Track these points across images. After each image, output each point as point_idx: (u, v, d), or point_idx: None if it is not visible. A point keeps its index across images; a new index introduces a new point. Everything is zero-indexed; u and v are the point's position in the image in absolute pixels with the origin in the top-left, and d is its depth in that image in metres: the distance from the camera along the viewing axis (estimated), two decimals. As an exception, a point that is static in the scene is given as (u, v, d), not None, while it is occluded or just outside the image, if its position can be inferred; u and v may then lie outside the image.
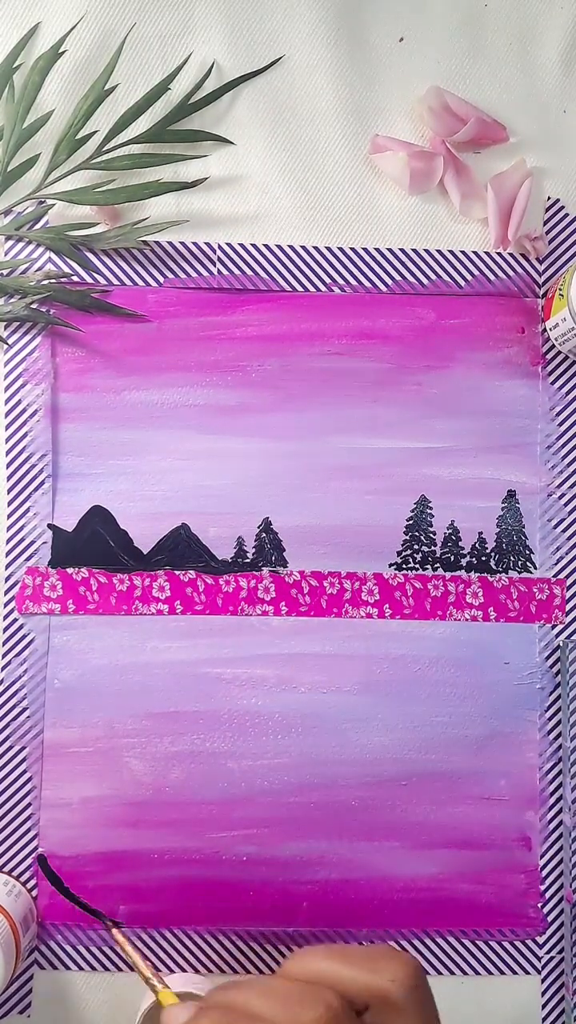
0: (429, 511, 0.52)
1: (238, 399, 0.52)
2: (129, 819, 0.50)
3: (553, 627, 0.52)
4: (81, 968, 0.49)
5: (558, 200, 0.53)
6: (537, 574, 0.52)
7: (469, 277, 0.53)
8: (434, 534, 0.52)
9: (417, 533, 0.52)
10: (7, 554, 0.51)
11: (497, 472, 0.52)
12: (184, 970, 0.49)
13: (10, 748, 0.50)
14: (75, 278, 0.52)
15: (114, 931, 0.46)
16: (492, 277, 0.53)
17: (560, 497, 0.52)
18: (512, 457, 0.52)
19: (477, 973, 0.50)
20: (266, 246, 0.52)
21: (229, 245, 0.52)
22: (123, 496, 0.51)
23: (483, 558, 0.52)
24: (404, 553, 0.52)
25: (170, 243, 0.52)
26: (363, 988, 0.34)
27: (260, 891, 0.50)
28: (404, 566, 0.52)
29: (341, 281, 0.52)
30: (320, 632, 0.51)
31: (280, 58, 0.53)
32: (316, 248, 0.52)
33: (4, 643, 0.50)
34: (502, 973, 0.50)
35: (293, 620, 0.51)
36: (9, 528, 0.51)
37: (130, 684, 0.50)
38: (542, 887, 0.50)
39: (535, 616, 0.52)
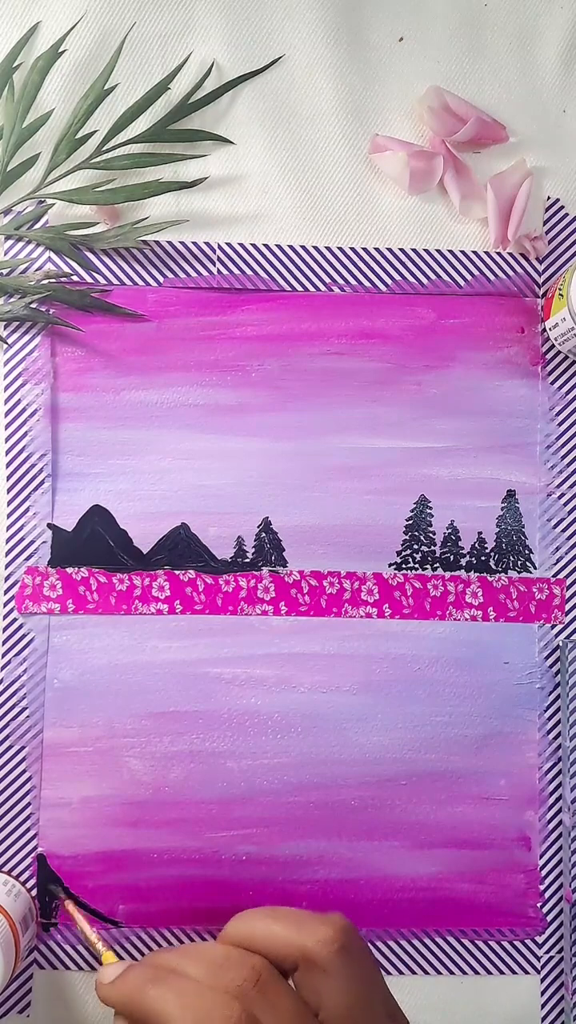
0: (429, 511, 0.52)
1: (238, 399, 0.52)
2: (129, 819, 0.50)
3: (553, 627, 0.52)
4: (81, 968, 0.49)
5: (558, 200, 0.53)
6: (537, 574, 0.52)
7: (469, 277, 0.53)
8: (434, 534, 0.52)
9: (417, 533, 0.52)
10: (7, 554, 0.51)
11: (497, 472, 0.52)
12: (184, 970, 0.49)
13: (10, 748, 0.50)
14: (75, 278, 0.52)
15: (66, 902, 0.47)
16: (492, 277, 0.53)
17: (560, 497, 0.52)
18: (512, 457, 0.52)
19: (476, 973, 0.50)
20: (266, 246, 0.52)
21: (229, 245, 0.52)
22: (123, 496, 0.51)
23: (483, 558, 0.52)
24: (404, 553, 0.52)
25: (170, 243, 0.52)
26: (290, 948, 0.35)
27: (260, 891, 0.50)
28: (404, 566, 0.52)
29: (341, 281, 0.52)
30: (320, 632, 0.51)
31: (280, 58, 0.53)
32: (316, 248, 0.52)
33: (4, 643, 0.50)
34: (501, 973, 0.50)
35: (293, 620, 0.51)
36: (9, 528, 0.51)
37: (130, 684, 0.50)
38: (542, 887, 0.50)
39: (535, 616, 0.52)
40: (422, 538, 0.52)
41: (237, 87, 0.53)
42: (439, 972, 0.50)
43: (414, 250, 0.53)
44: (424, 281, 0.53)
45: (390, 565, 0.52)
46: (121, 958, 0.47)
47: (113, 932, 0.49)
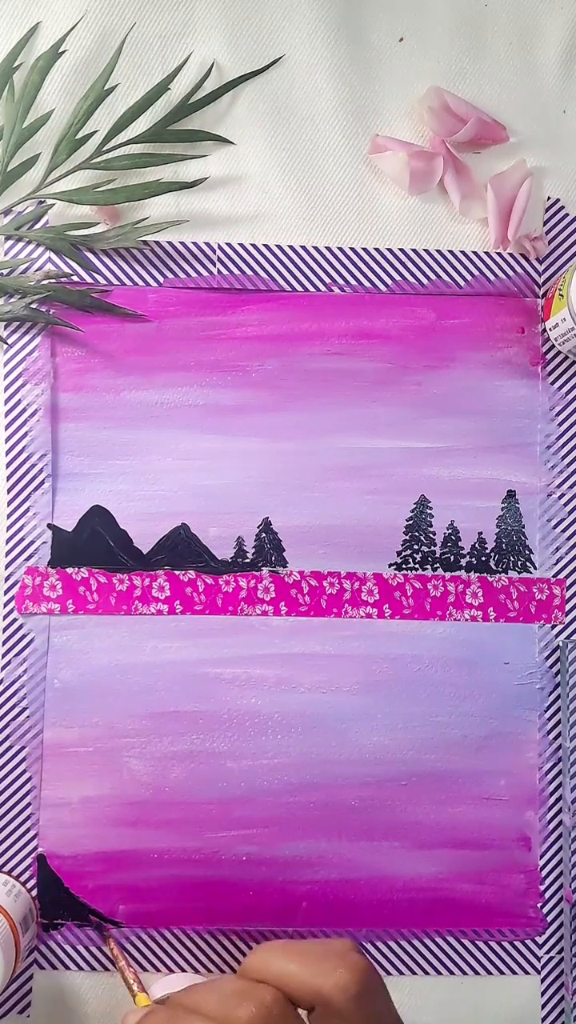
0: (429, 511, 0.52)
1: (238, 399, 0.52)
2: (129, 819, 0.50)
3: (553, 627, 0.52)
4: (81, 968, 0.49)
5: (558, 200, 0.53)
6: (537, 574, 0.52)
7: (469, 277, 0.53)
8: (434, 534, 0.52)
9: (417, 533, 0.52)
10: (7, 554, 0.51)
11: (497, 472, 0.52)
12: (183, 970, 0.49)
13: (10, 748, 0.50)
14: (75, 278, 0.52)
15: (111, 942, 0.48)
16: (492, 277, 0.53)
17: (560, 497, 0.52)
18: (512, 457, 0.52)
19: (477, 973, 0.50)
20: (266, 246, 0.52)
21: (229, 245, 0.52)
22: (123, 496, 0.51)
23: (483, 558, 0.52)
24: (404, 553, 0.52)
25: (170, 243, 0.52)
26: (309, 989, 0.35)
27: (259, 891, 0.50)
28: (404, 566, 0.52)
29: (341, 281, 0.52)
30: (320, 632, 0.51)
31: (280, 58, 0.53)
32: (316, 248, 0.52)
33: (4, 643, 0.50)
34: (502, 973, 0.50)
35: (293, 620, 0.51)
36: (9, 528, 0.51)
37: (130, 684, 0.50)
38: (542, 887, 0.50)
39: (535, 616, 0.52)
40: (422, 538, 0.52)
41: (237, 87, 0.53)
42: (439, 972, 0.50)
43: (414, 250, 0.53)
44: (424, 281, 0.53)
45: (390, 565, 0.52)
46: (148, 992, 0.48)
47: (113, 932, 0.49)
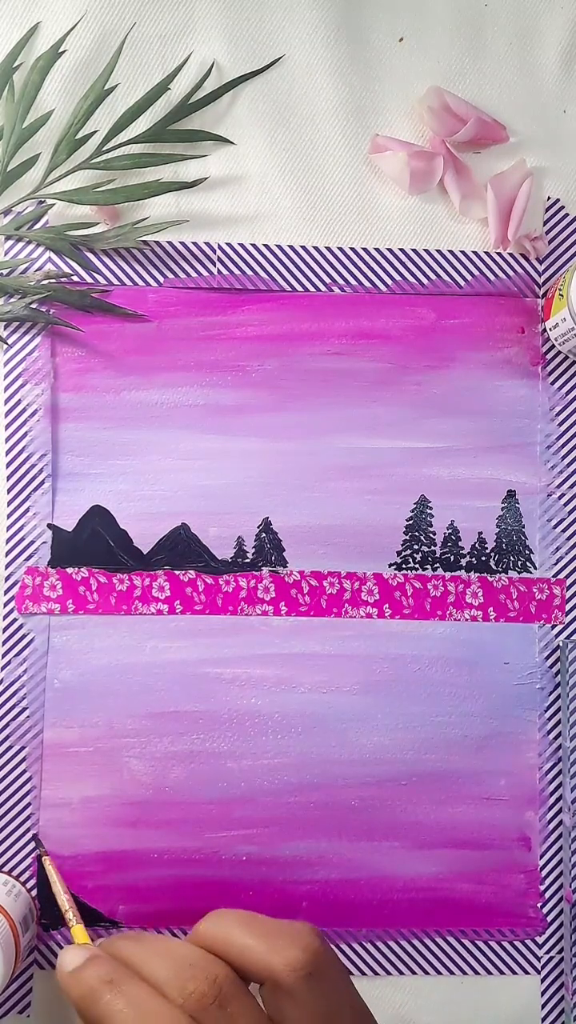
0: (429, 511, 0.52)
1: (238, 399, 0.52)
2: (129, 819, 0.50)
3: (553, 627, 0.52)
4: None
5: (558, 200, 0.53)
6: (537, 574, 0.52)
7: (469, 277, 0.53)
8: (434, 534, 0.52)
9: (417, 533, 0.52)
10: (7, 554, 0.51)
11: (497, 472, 0.52)
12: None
13: (10, 748, 0.50)
14: (75, 278, 0.52)
15: (45, 859, 0.46)
16: (492, 277, 0.53)
17: (560, 497, 0.52)
18: (512, 457, 0.52)
19: (477, 973, 0.50)
20: (266, 246, 0.52)
21: (229, 245, 0.52)
22: (123, 496, 0.51)
23: (483, 558, 0.52)
24: (404, 553, 0.52)
25: (170, 243, 0.52)
26: (259, 965, 0.34)
27: (260, 891, 0.50)
28: (404, 566, 0.52)
29: (341, 281, 0.52)
30: (320, 632, 0.51)
31: (280, 58, 0.53)
32: (316, 248, 0.52)
33: (4, 643, 0.50)
34: (502, 973, 0.50)
35: (293, 620, 0.51)
36: (9, 528, 0.51)
37: (130, 684, 0.50)
38: (542, 887, 0.50)
39: (535, 616, 0.52)
40: (422, 538, 0.52)
41: (237, 87, 0.53)
42: (439, 972, 0.50)
43: (414, 250, 0.53)
44: (424, 281, 0.53)
45: (390, 565, 0.52)
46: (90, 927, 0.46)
47: (113, 932, 0.49)
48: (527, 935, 0.50)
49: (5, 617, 0.50)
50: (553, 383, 0.53)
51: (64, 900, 0.45)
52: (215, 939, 0.35)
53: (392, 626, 0.51)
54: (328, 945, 0.36)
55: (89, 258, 0.52)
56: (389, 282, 0.53)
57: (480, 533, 0.52)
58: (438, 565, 0.52)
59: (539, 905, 0.50)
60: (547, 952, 0.50)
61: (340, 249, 0.52)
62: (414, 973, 0.50)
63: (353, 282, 0.52)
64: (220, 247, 0.52)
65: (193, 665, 0.51)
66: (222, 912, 0.36)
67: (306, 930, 0.35)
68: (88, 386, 0.52)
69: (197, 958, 0.34)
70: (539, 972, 0.50)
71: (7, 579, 0.51)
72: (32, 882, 0.49)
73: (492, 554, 0.52)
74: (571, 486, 0.52)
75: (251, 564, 0.51)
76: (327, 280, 0.52)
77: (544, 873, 0.50)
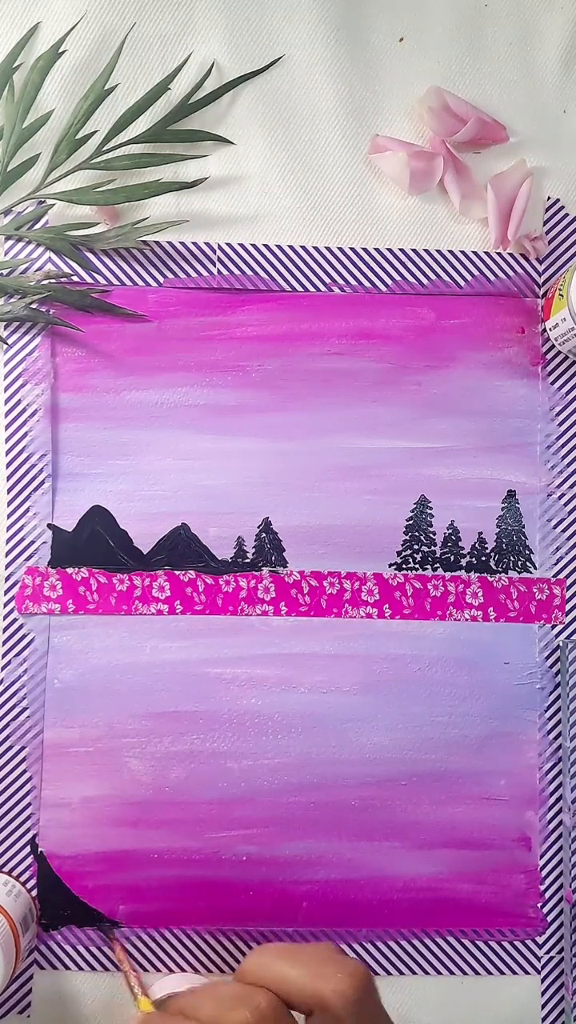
0: (429, 511, 0.52)
1: (238, 399, 0.52)
2: (129, 819, 0.50)
3: (553, 627, 0.52)
4: (81, 968, 0.49)
5: (558, 200, 0.53)
6: (537, 574, 0.52)
7: (469, 277, 0.53)
8: (434, 534, 0.52)
9: (417, 533, 0.52)
10: (7, 554, 0.51)
11: (497, 472, 0.52)
12: (184, 970, 0.49)
13: (10, 748, 0.50)
14: (75, 278, 0.52)
15: (116, 945, 0.48)
16: (492, 277, 0.53)
17: (560, 497, 0.52)
18: (512, 457, 0.52)
19: (477, 973, 0.50)
20: (266, 246, 0.52)
21: (229, 245, 0.52)
22: (123, 496, 0.51)
23: (483, 558, 0.52)
24: (404, 553, 0.52)
25: (170, 243, 0.52)
26: (306, 994, 0.35)
27: (260, 891, 0.50)
28: (404, 566, 0.52)
29: (341, 281, 0.52)
30: (320, 632, 0.51)
31: (280, 58, 0.53)
32: (316, 248, 0.52)
33: (4, 643, 0.50)
34: (502, 973, 0.50)
35: (293, 620, 0.51)
36: (9, 528, 0.51)
37: (130, 684, 0.50)
38: (542, 887, 0.50)
39: (535, 616, 0.52)
40: (422, 538, 0.52)
41: (237, 87, 0.53)
42: (439, 972, 0.50)
43: (414, 250, 0.53)
44: (424, 281, 0.53)
45: (390, 565, 0.52)
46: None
47: (114, 932, 0.49)
48: (527, 935, 0.50)
49: (5, 617, 0.50)
50: (553, 383, 0.53)
51: (133, 980, 0.47)
52: (259, 973, 0.36)
53: (392, 626, 0.51)
54: (370, 973, 0.36)
55: (89, 258, 0.52)
56: (389, 282, 0.53)
57: (480, 533, 0.52)
58: (438, 565, 0.52)
59: (539, 905, 0.50)
60: (547, 952, 0.50)
61: (340, 249, 0.52)
62: (414, 973, 0.50)
63: (353, 282, 0.52)
64: (220, 247, 0.52)
65: (193, 665, 0.51)
66: (263, 947, 0.37)
67: (348, 958, 0.37)
68: (88, 386, 0.52)
69: (240, 991, 0.35)
70: (539, 972, 0.50)
71: (7, 579, 0.51)
72: (32, 882, 0.49)
73: (492, 554, 0.52)
74: (571, 486, 0.52)
75: (251, 564, 0.51)
76: (327, 280, 0.52)
77: (544, 873, 0.50)
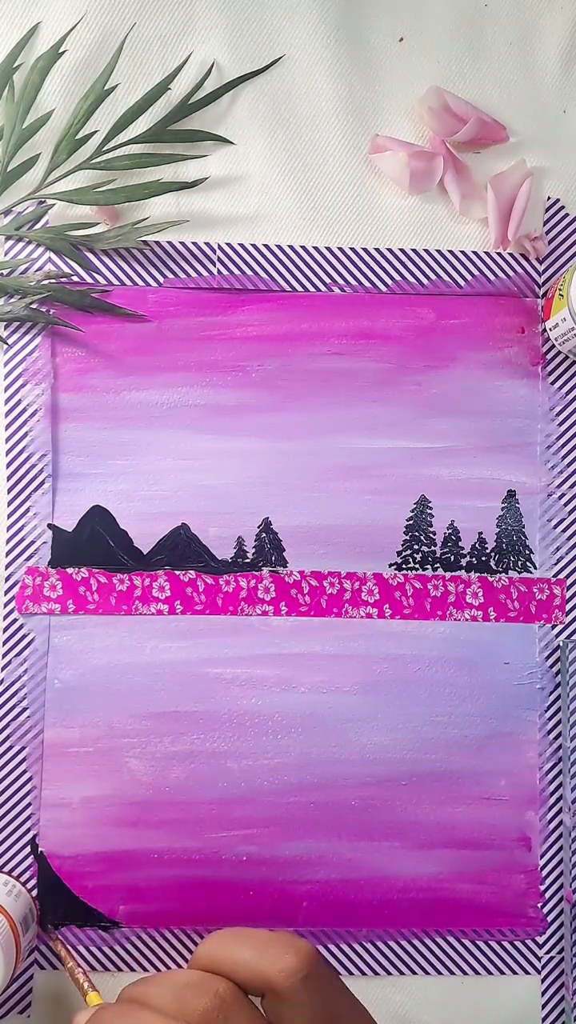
0: (429, 511, 0.52)
1: (238, 399, 0.52)
2: (129, 819, 0.50)
3: (553, 627, 0.52)
4: (81, 968, 0.49)
5: (558, 200, 0.53)
6: (537, 574, 0.52)
7: (469, 277, 0.53)
8: (434, 534, 0.52)
9: (417, 533, 0.52)
10: (7, 554, 0.51)
11: (497, 472, 0.52)
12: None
13: (10, 748, 0.50)
14: (75, 278, 0.52)
15: (58, 942, 0.47)
16: (492, 277, 0.53)
17: (560, 497, 0.52)
18: (512, 457, 0.52)
19: (477, 973, 0.50)
20: (266, 246, 0.52)
21: (229, 245, 0.52)
22: (123, 496, 0.51)
23: (483, 558, 0.52)
24: (404, 553, 0.52)
25: (170, 243, 0.52)
26: (255, 975, 0.35)
27: (260, 891, 0.50)
28: (404, 566, 0.52)
29: (341, 281, 0.52)
30: (320, 632, 0.51)
31: (280, 58, 0.53)
32: (316, 248, 0.52)
33: (4, 643, 0.50)
34: (502, 973, 0.50)
35: (293, 620, 0.51)
36: (9, 528, 0.51)
37: (130, 684, 0.50)
38: (542, 887, 0.50)
39: (535, 616, 0.52)
40: (422, 538, 0.52)
41: (237, 87, 0.53)
42: (439, 972, 0.50)
43: (414, 250, 0.53)
44: (424, 281, 0.53)
45: (390, 565, 0.52)
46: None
47: (114, 932, 0.49)
48: (527, 935, 0.50)
49: (5, 617, 0.50)
50: (553, 383, 0.53)
51: (79, 975, 0.46)
52: (212, 959, 0.36)
53: (392, 626, 0.51)
54: (317, 949, 0.36)
55: (89, 258, 0.52)
56: (389, 282, 0.53)
57: (480, 533, 0.52)
58: (438, 565, 0.52)
59: (539, 905, 0.50)
60: (547, 952, 0.50)
61: (340, 249, 0.52)
62: (414, 973, 0.50)
63: (353, 282, 0.52)
64: (220, 247, 0.52)
65: (193, 665, 0.51)
66: (216, 933, 0.37)
67: (295, 937, 0.36)
68: (88, 386, 0.52)
69: (197, 978, 0.35)
70: (539, 972, 0.50)
71: (7, 579, 0.51)
72: (32, 882, 0.49)
73: (492, 554, 0.52)
74: (571, 486, 0.52)
75: (251, 564, 0.51)
76: (327, 280, 0.52)
77: (544, 873, 0.50)
